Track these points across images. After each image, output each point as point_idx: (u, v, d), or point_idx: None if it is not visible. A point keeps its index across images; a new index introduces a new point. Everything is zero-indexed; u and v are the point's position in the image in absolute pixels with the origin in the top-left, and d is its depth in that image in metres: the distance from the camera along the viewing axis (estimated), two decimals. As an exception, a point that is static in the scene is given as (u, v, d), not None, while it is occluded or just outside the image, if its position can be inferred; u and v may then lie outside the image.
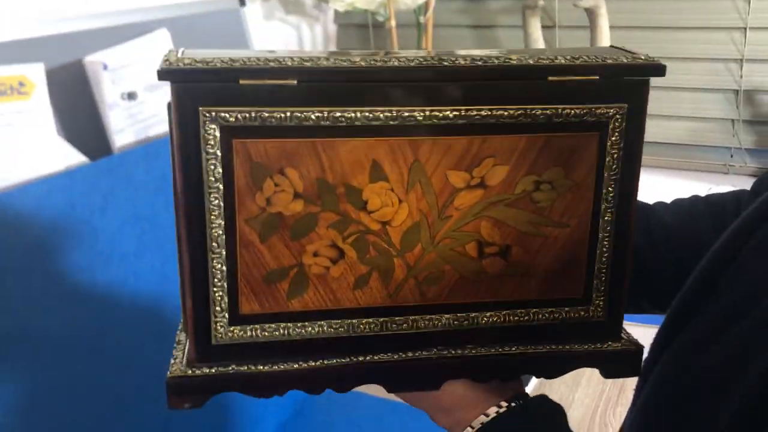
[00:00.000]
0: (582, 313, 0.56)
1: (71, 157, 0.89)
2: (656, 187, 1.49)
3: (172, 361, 0.54)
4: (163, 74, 0.46)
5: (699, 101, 1.47)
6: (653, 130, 1.53)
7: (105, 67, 0.94)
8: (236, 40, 1.21)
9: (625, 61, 0.51)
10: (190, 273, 0.50)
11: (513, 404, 0.55)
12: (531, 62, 0.50)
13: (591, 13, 1.34)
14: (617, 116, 0.51)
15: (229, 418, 1.05)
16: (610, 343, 0.58)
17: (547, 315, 0.56)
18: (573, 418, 1.14)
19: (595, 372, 1.26)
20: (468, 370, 0.55)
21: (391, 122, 0.48)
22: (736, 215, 0.57)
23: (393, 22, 1.51)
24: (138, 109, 0.99)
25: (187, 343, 0.54)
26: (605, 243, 0.55)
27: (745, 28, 1.38)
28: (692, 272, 0.56)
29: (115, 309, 0.92)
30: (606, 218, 0.54)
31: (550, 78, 0.49)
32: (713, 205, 0.70)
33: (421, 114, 0.49)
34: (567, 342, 0.57)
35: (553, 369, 0.57)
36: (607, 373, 0.59)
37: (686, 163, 1.53)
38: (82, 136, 0.92)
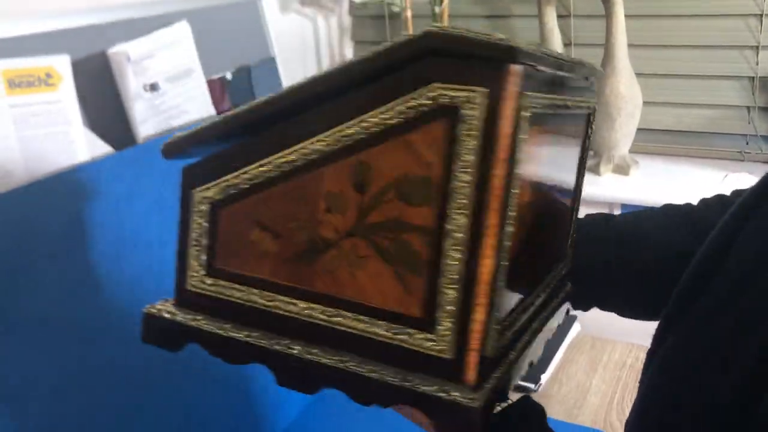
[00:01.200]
0: None
1: (97, 147, 0.91)
2: (673, 175, 1.49)
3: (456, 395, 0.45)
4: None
5: (714, 88, 1.47)
6: (669, 118, 1.53)
7: (128, 59, 0.95)
8: (254, 32, 1.22)
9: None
10: (492, 278, 0.44)
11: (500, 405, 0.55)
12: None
13: (606, 2, 1.35)
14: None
15: (251, 400, 1.07)
16: None
17: None
18: (590, 404, 1.15)
19: (611, 359, 1.28)
20: None
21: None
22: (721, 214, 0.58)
23: (409, 13, 1.52)
24: (160, 100, 1.01)
25: (464, 365, 0.46)
26: None
27: (761, 15, 1.38)
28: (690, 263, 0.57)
29: (140, 296, 0.94)
30: None
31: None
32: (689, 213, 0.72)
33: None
34: None
35: None
36: None
37: (702, 151, 1.53)
38: (107, 127, 0.93)
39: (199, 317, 0.55)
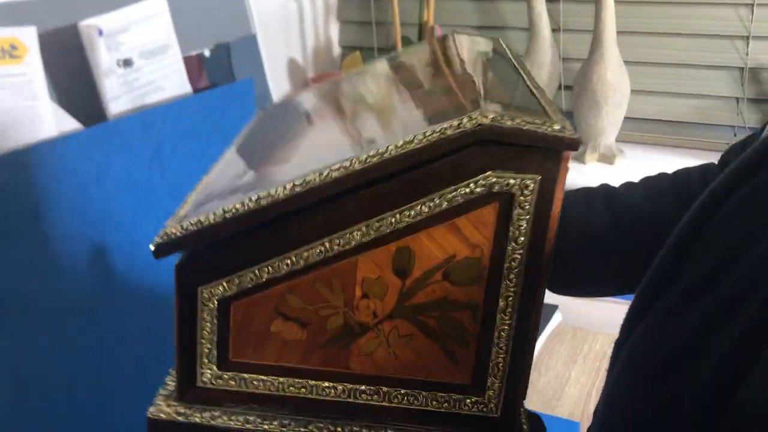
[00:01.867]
0: None
1: (65, 122, 0.87)
2: (658, 165, 1.47)
3: None
4: None
5: (703, 78, 1.45)
6: (656, 108, 1.51)
7: (100, 33, 0.92)
8: (234, 7, 1.19)
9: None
10: (536, 337, 0.48)
11: None
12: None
13: (596, -13, 1.32)
14: None
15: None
16: None
17: None
18: (569, 395, 1.14)
19: (592, 349, 1.26)
20: None
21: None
22: (703, 186, 0.57)
23: (395, -7, 1.49)
24: (134, 77, 0.98)
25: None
26: None
27: (752, 5, 1.36)
28: (661, 246, 0.55)
29: (109, 276, 0.91)
30: None
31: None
32: (678, 178, 0.70)
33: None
34: None
35: None
36: None
37: (689, 142, 1.51)
38: (77, 103, 0.90)
39: (217, 413, 0.50)
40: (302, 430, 0.49)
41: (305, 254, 0.46)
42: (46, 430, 0.85)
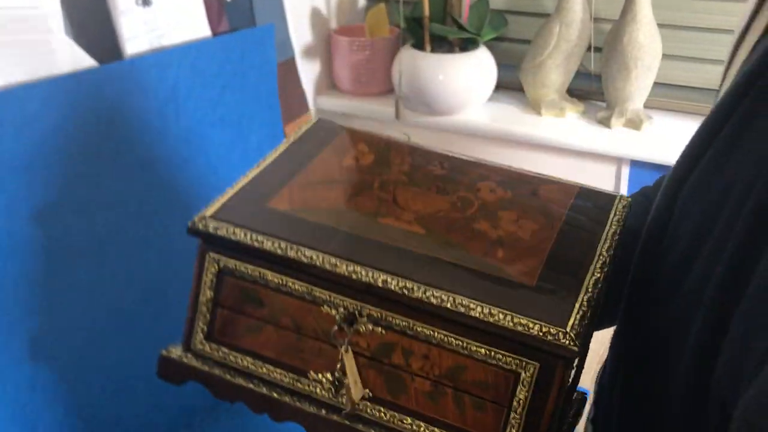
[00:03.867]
0: None
1: (80, 59, 0.86)
2: (687, 133, 1.43)
3: None
4: None
5: (738, 45, 1.41)
6: (686, 74, 1.47)
7: (119, -32, 0.90)
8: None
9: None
10: None
11: None
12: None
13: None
14: None
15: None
16: None
17: None
18: (581, 361, 1.13)
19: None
20: None
21: None
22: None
23: (423, -56, 1.45)
24: (151, 16, 0.95)
25: None
26: None
27: (795, -31, 1.31)
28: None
29: (121, 220, 0.90)
30: None
31: None
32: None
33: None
34: None
35: None
36: None
37: (719, 110, 1.47)
38: (93, 40, 0.88)
39: None
40: None
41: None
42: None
